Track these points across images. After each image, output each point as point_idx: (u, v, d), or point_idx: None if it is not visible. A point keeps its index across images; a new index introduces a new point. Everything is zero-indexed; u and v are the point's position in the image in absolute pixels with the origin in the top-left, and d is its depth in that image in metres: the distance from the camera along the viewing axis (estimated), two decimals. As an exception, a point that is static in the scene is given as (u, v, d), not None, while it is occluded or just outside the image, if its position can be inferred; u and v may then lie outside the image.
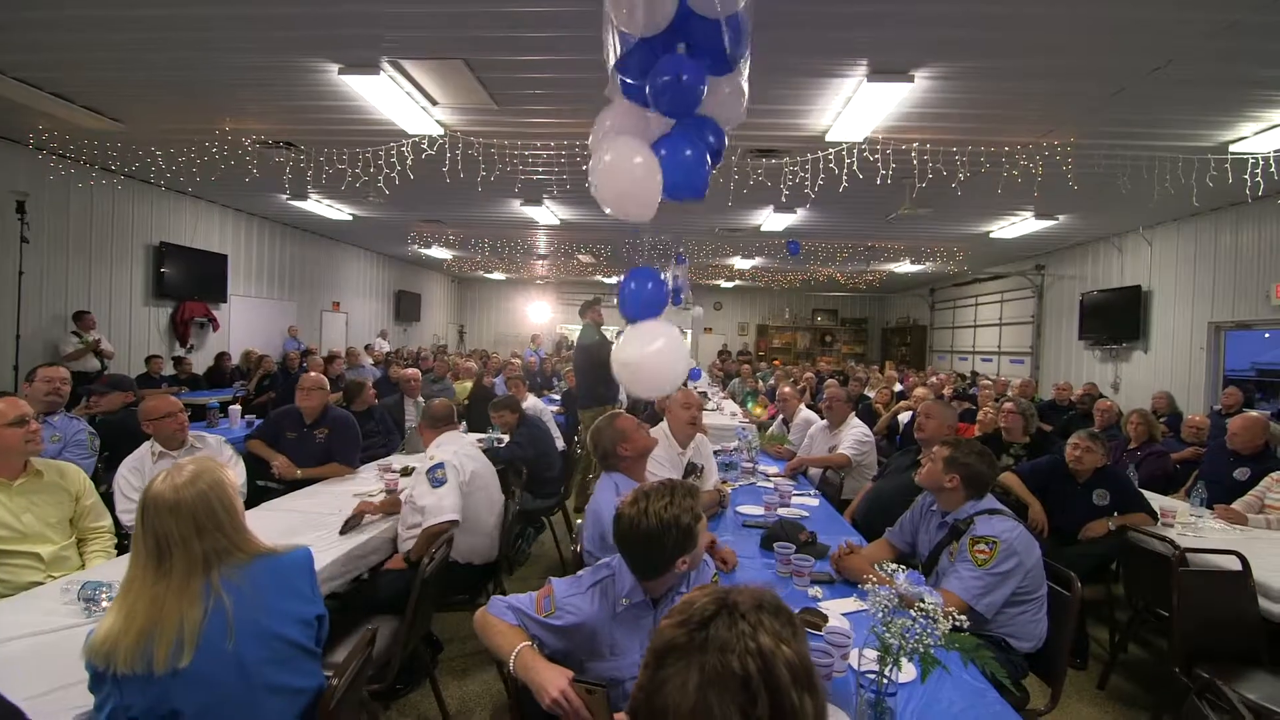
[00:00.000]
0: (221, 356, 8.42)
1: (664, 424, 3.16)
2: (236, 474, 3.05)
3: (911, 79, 4.10)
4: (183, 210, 8.32)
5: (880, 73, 4.07)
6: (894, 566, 1.48)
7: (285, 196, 7.86)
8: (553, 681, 1.34)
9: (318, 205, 8.44)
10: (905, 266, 11.72)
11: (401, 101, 4.68)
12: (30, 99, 4.83)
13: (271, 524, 2.60)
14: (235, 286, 9.31)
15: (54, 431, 2.99)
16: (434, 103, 4.84)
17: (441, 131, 5.33)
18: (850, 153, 5.19)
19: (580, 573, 1.68)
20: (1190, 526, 3.17)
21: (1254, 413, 3.95)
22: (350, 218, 9.29)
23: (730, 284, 16.24)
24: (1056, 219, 7.69)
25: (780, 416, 5.12)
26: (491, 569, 2.83)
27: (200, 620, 1.28)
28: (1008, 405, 4.22)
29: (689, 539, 1.50)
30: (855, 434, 3.97)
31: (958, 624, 1.30)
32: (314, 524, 2.66)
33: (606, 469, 2.45)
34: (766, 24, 3.56)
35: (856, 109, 4.53)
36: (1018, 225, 8.08)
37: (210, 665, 1.28)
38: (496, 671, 2.70)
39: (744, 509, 3.14)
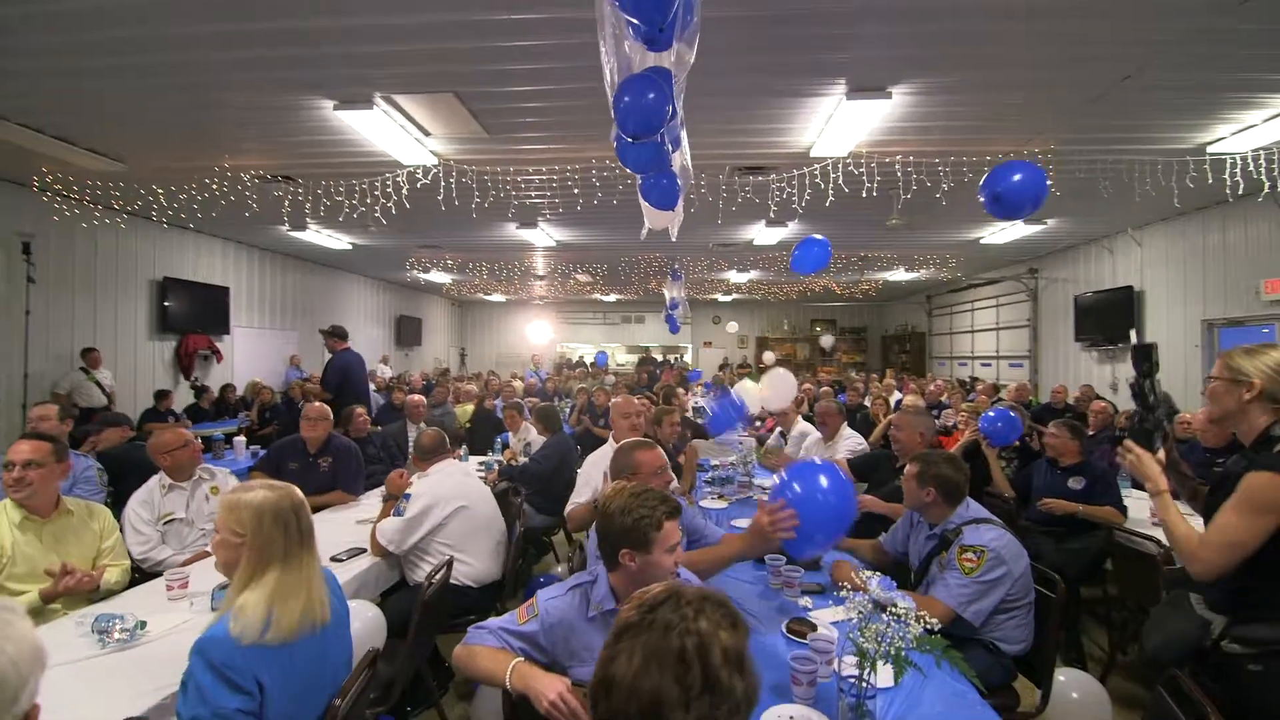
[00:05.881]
0: (226, 388, 8.52)
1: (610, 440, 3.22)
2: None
3: (889, 96, 4.21)
4: (185, 245, 8.46)
5: (859, 90, 4.19)
6: (869, 573, 1.54)
7: (285, 228, 8.01)
8: (551, 686, 1.41)
9: (317, 235, 8.58)
10: (900, 274, 11.81)
11: (395, 134, 4.81)
12: (33, 143, 4.96)
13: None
14: (237, 318, 9.43)
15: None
16: (427, 134, 4.97)
17: (435, 161, 5.46)
18: (835, 168, 5.30)
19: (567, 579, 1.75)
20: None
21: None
22: (350, 247, 9.43)
23: (728, 298, 16.33)
24: (1045, 223, 7.79)
25: (778, 429, 5.18)
26: (494, 591, 2.88)
27: (325, 591, 1.59)
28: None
29: (636, 534, 1.56)
30: (849, 444, 4.03)
31: (929, 627, 1.36)
32: (321, 554, 2.71)
33: None
34: (749, 49, 3.70)
35: (838, 126, 4.64)
36: (1008, 230, 8.17)
37: (331, 630, 1.59)
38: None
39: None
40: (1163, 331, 7.70)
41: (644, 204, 3.60)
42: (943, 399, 7.81)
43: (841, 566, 2.29)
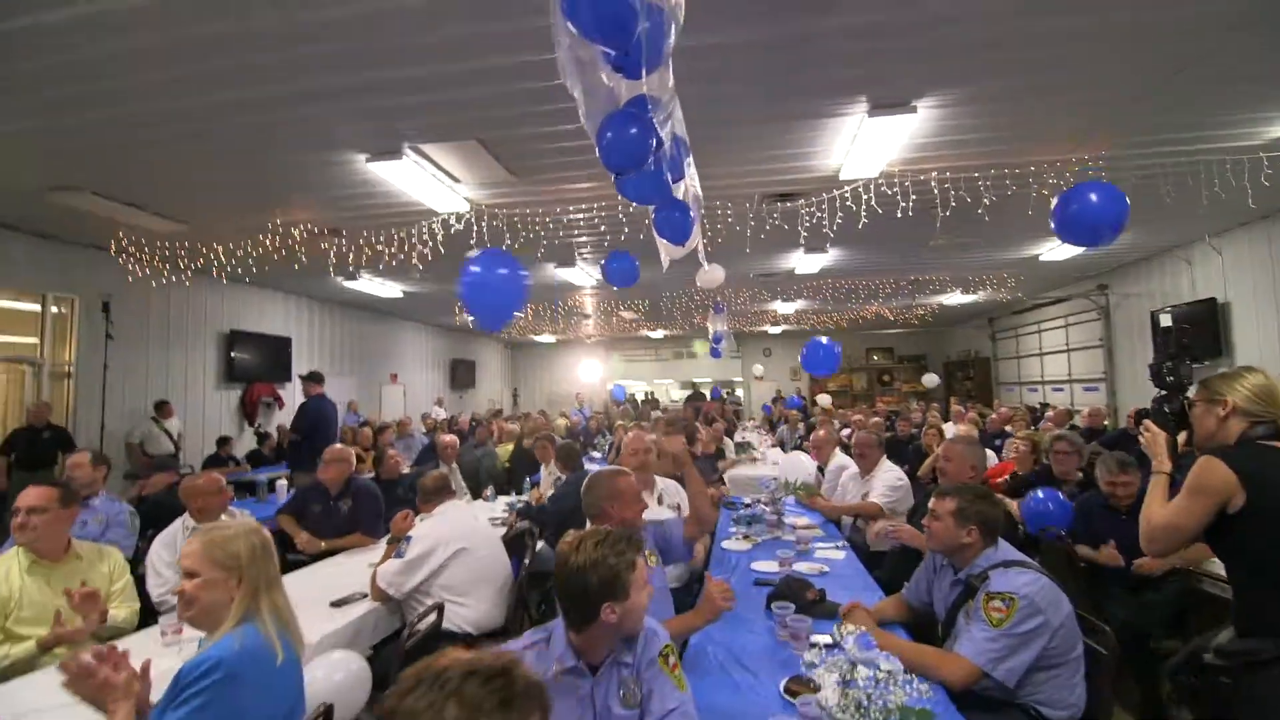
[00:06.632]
0: (284, 432, 8.87)
1: None
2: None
3: (914, 110, 4.03)
4: (249, 298, 8.99)
5: (881, 107, 4.03)
6: (849, 627, 1.35)
7: (339, 279, 8.40)
8: None
9: (369, 284, 8.95)
10: (956, 297, 11.28)
11: (427, 182, 4.96)
12: (109, 210, 5.41)
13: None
14: (299, 366, 9.83)
15: (95, 514, 3.19)
16: (456, 180, 5.11)
17: (468, 207, 5.61)
18: (866, 189, 5.12)
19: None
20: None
21: None
22: (401, 294, 9.79)
23: (777, 329, 16.02)
24: (1109, 235, 7.26)
25: (815, 464, 4.91)
26: (496, 638, 2.76)
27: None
28: (1060, 445, 3.93)
29: (616, 584, 1.45)
30: (887, 479, 3.74)
31: (919, 695, 1.16)
32: (325, 597, 2.68)
33: (591, 519, 2.33)
34: (761, 73, 3.63)
35: (864, 145, 4.49)
36: (1068, 245, 7.66)
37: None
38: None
39: (759, 565, 2.97)
40: (1254, 345, 6.98)
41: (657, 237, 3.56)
42: (1006, 428, 7.27)
43: (854, 614, 2.05)
